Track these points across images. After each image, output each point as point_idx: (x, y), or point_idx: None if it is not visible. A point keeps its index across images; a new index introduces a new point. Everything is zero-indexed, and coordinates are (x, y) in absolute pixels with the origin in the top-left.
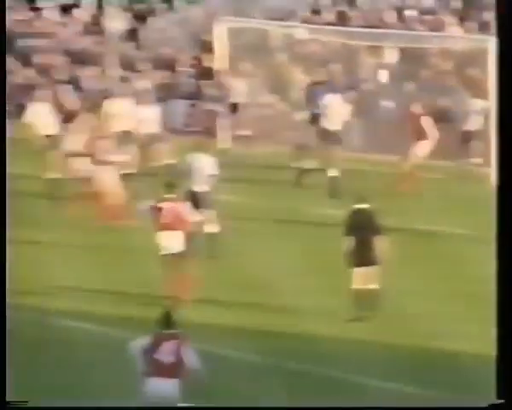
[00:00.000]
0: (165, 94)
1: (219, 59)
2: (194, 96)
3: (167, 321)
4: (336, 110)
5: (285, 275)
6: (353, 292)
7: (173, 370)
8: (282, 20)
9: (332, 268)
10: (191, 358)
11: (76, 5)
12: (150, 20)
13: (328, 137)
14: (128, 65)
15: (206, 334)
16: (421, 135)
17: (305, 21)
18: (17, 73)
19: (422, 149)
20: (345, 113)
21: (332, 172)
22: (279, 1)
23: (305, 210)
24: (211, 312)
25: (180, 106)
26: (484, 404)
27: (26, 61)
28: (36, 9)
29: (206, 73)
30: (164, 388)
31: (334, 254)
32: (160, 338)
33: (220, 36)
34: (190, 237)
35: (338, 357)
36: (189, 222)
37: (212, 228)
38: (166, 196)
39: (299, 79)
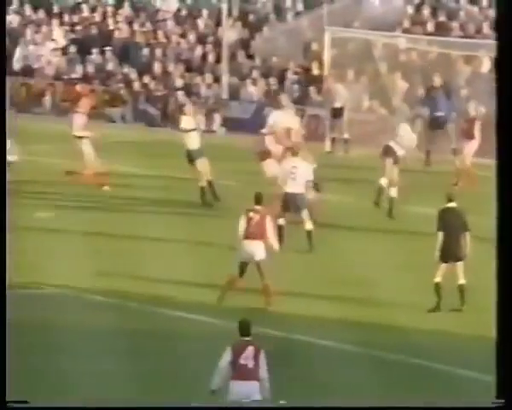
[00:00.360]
0: (273, 100)
1: (325, 67)
2: (301, 101)
3: (247, 328)
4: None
5: (379, 270)
6: (440, 286)
7: (255, 373)
8: (383, 30)
9: (424, 264)
10: (264, 365)
11: (192, 15)
12: (262, 30)
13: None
14: (238, 72)
15: (304, 325)
16: (470, 135)
17: (405, 31)
18: (136, 81)
19: (472, 148)
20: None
21: None
22: (381, 12)
23: (400, 209)
24: (310, 305)
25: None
26: (484, 404)
27: (144, 69)
28: (156, 21)
29: (313, 80)
30: (247, 389)
31: (426, 250)
32: (242, 345)
33: (326, 45)
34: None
35: (427, 348)
36: (268, 235)
37: (308, 226)
38: (256, 207)
39: (399, 85)
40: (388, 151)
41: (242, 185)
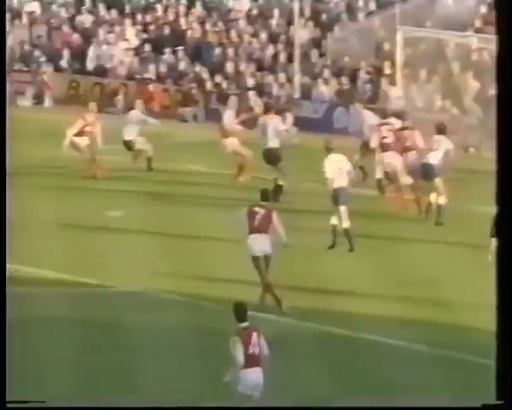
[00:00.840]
0: (345, 99)
1: (397, 66)
2: (373, 100)
3: (244, 313)
4: None
5: (442, 270)
6: None
7: (260, 358)
8: (455, 29)
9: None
10: (265, 346)
11: (264, 15)
12: (333, 29)
13: None
14: (310, 72)
15: (370, 325)
16: None
17: (477, 31)
18: (208, 81)
19: None
20: None
21: None
22: (453, 11)
23: (469, 208)
24: (372, 304)
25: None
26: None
27: (216, 69)
28: (228, 21)
29: (384, 79)
30: (257, 376)
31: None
32: (247, 333)
33: (398, 45)
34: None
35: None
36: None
37: (346, 224)
38: (262, 202)
39: (471, 85)
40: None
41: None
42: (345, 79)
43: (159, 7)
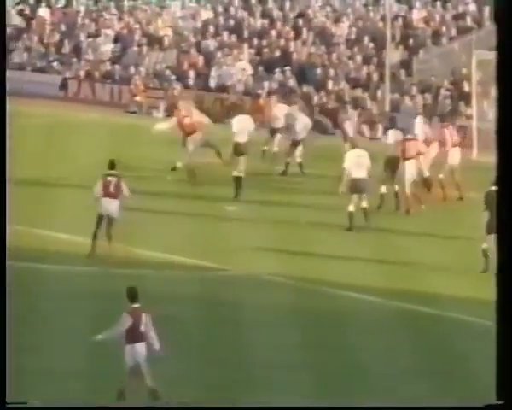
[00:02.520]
0: (428, 113)
1: (472, 84)
2: (452, 114)
3: (135, 295)
4: None
5: None
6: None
7: (145, 335)
8: None
9: None
10: (150, 324)
11: (359, 39)
12: (418, 52)
13: None
14: (399, 89)
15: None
16: None
17: None
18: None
19: None
20: None
21: None
22: None
23: None
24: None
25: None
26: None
27: (320, 87)
28: (329, 45)
29: (463, 97)
30: (141, 349)
31: None
32: (137, 312)
33: (473, 66)
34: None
35: None
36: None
37: (364, 204)
38: (111, 171)
39: None
40: None
41: None
42: (428, 95)
43: (272, 32)
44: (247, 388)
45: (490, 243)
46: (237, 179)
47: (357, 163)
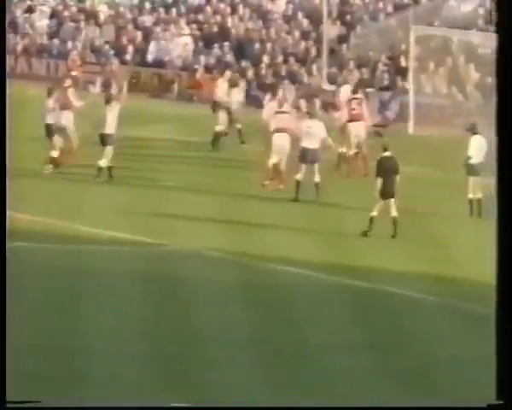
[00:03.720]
0: (365, 87)
1: (410, 59)
2: (389, 88)
3: None
4: None
5: None
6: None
7: None
8: (460, 28)
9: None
10: None
11: (295, 13)
12: (357, 28)
13: None
14: (337, 63)
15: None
16: None
17: (480, 29)
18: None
19: None
20: None
21: None
22: (459, 12)
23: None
24: None
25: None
26: (483, 404)
27: (257, 62)
28: (266, 21)
29: (400, 71)
30: None
31: None
32: None
33: (410, 41)
34: None
35: None
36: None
37: (317, 178)
38: None
39: (473, 75)
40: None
41: None
42: (365, 70)
43: (208, 8)
44: (191, 364)
45: (387, 208)
46: None
47: (307, 133)
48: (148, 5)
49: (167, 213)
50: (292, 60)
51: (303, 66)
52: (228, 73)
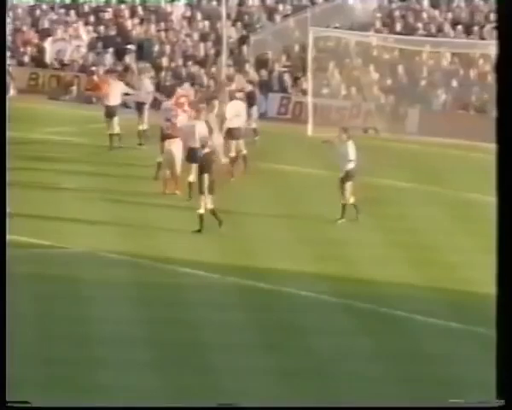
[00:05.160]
0: (264, 89)
1: (308, 61)
2: (286, 90)
3: None
4: None
5: None
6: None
7: None
8: (359, 30)
9: None
10: None
11: (195, 15)
12: (257, 30)
13: None
14: (236, 65)
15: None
16: None
17: (377, 31)
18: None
19: None
20: None
21: None
22: (357, 14)
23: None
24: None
25: (275, 98)
26: (484, 404)
27: (156, 64)
28: (166, 23)
29: (297, 72)
30: None
31: None
32: None
33: (309, 42)
34: None
35: None
36: None
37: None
38: None
39: (372, 76)
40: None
41: None
42: (264, 72)
43: (107, 10)
44: (86, 364)
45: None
46: None
47: (235, 114)
48: (46, 6)
49: (63, 216)
50: (191, 62)
51: (202, 67)
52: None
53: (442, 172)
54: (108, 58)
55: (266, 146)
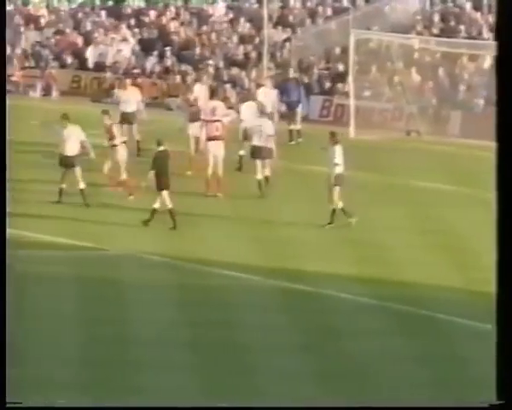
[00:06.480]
0: (306, 91)
1: (350, 63)
2: (328, 92)
3: None
4: None
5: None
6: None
7: None
8: (400, 32)
9: None
10: None
11: (236, 17)
12: (298, 31)
13: None
14: (277, 68)
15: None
16: None
17: (418, 34)
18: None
19: None
20: None
21: None
22: (398, 17)
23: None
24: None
25: (317, 101)
26: (484, 404)
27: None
28: (207, 26)
29: (339, 75)
30: None
31: None
32: None
33: (350, 45)
34: None
35: None
36: None
37: (267, 171)
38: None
39: (414, 79)
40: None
41: None
42: (306, 74)
43: (151, 13)
44: (129, 366)
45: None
46: None
47: (258, 131)
48: (88, 9)
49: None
50: (233, 64)
51: (243, 70)
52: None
53: (483, 174)
54: (151, 61)
55: (308, 148)
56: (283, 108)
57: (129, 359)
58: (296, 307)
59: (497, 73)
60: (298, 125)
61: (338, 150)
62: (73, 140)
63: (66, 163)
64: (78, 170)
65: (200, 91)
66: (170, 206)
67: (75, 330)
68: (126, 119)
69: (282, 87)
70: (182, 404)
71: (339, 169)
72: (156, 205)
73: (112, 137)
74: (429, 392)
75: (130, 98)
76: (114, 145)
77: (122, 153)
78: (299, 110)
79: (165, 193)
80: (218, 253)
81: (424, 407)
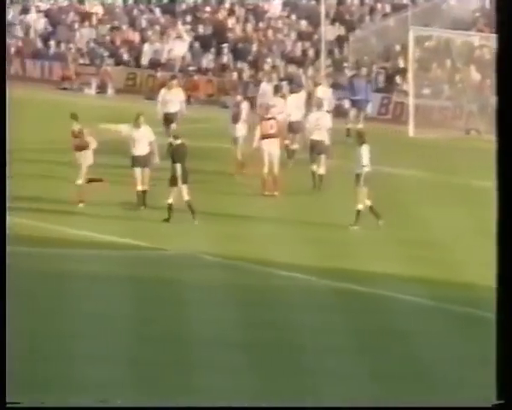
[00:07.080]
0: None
1: (409, 60)
2: (387, 90)
3: None
4: None
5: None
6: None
7: None
8: (460, 29)
9: None
10: None
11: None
12: (357, 30)
13: None
14: (335, 66)
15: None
16: None
17: (479, 31)
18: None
19: None
20: None
21: None
22: (457, 14)
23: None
24: None
25: (375, 98)
26: (484, 404)
27: (254, 64)
28: (263, 22)
29: (398, 73)
30: None
31: None
32: None
33: (409, 42)
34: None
35: None
36: None
37: (321, 170)
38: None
39: (474, 77)
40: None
41: None
42: (364, 71)
43: (205, 10)
44: (186, 366)
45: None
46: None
47: (316, 125)
48: (143, 6)
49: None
50: (290, 62)
51: (300, 67)
52: None
53: None
54: (206, 57)
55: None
56: (347, 104)
57: (184, 359)
58: (352, 307)
59: (497, 67)
60: (360, 125)
61: (365, 150)
62: (144, 141)
63: (140, 163)
64: (147, 171)
65: (265, 90)
66: (187, 198)
67: (134, 330)
68: (169, 119)
69: (350, 84)
70: (237, 404)
71: (366, 170)
72: (170, 200)
73: (82, 143)
74: (488, 393)
75: (174, 98)
76: (84, 150)
77: (90, 158)
78: (369, 110)
79: (183, 186)
80: (275, 253)
81: (424, 407)
